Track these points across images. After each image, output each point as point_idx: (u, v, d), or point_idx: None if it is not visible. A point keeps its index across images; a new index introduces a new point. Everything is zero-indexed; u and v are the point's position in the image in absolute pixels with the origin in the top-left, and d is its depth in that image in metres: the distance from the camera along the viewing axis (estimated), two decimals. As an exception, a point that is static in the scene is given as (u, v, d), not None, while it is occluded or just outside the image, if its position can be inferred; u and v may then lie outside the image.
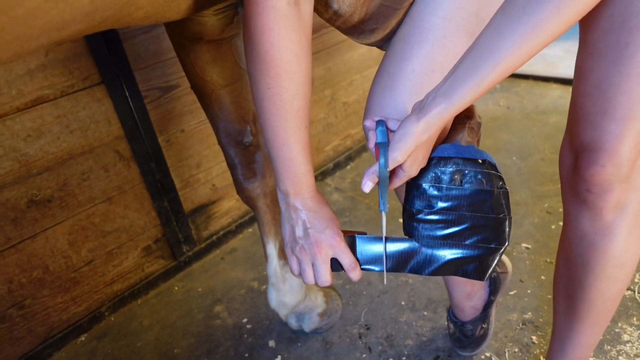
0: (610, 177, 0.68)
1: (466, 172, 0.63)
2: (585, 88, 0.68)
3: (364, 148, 2.22)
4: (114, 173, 1.39)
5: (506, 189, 0.65)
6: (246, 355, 1.29)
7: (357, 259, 0.70)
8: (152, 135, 1.43)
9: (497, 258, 0.66)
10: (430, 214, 0.65)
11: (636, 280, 1.30)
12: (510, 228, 0.65)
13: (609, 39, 0.63)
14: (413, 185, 0.66)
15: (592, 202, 0.71)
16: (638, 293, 1.26)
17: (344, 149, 2.14)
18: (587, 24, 0.66)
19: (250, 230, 1.81)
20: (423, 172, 0.65)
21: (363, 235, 0.70)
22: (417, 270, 0.68)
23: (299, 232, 0.69)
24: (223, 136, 1.02)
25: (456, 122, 0.80)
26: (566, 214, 0.79)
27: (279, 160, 0.68)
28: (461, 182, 0.64)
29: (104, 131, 1.33)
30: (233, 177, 1.08)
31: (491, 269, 0.66)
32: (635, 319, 1.19)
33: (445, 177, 0.64)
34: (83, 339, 1.42)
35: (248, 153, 1.04)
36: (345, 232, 0.71)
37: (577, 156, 0.71)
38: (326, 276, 0.69)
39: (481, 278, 0.66)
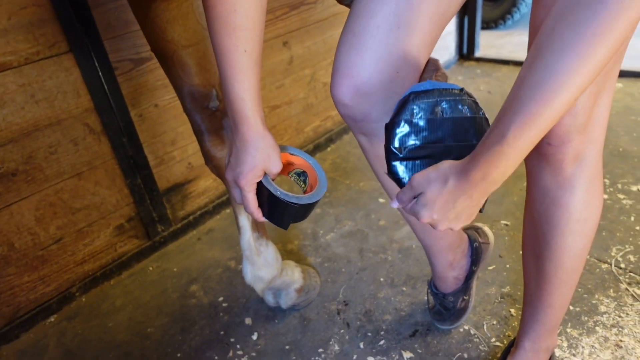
0: (567, 127, 0.68)
1: (445, 102, 0.61)
2: None
3: (345, 130, 2.20)
4: (84, 147, 1.33)
5: (486, 116, 0.63)
6: (221, 332, 1.25)
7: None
8: (123, 108, 1.38)
9: None
10: (415, 149, 0.62)
11: (612, 253, 1.30)
12: None
13: None
14: (393, 122, 0.63)
15: (552, 155, 0.71)
16: (615, 266, 1.26)
17: (324, 130, 2.11)
18: None
19: (228, 210, 1.77)
20: (402, 108, 0.62)
21: (268, 186, 0.73)
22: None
23: (235, 167, 0.73)
24: (188, 101, 0.98)
25: (423, 75, 0.78)
26: (528, 174, 0.80)
27: (221, 81, 0.68)
28: (442, 112, 0.62)
29: (72, 102, 1.28)
30: (200, 145, 1.05)
31: (483, 201, 0.64)
32: (611, 290, 1.20)
33: (426, 110, 0.62)
34: (52, 319, 1.37)
35: (215, 119, 1.00)
36: (287, 163, 0.78)
37: None
38: (234, 196, 0.76)
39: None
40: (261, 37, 0.66)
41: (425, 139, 0.62)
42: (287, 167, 0.81)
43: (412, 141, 0.62)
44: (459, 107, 0.61)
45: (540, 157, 0.74)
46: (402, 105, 0.62)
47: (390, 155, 0.64)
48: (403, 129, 0.62)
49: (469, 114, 0.61)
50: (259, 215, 0.75)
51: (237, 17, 0.62)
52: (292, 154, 0.80)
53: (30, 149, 1.23)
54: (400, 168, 0.64)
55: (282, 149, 0.79)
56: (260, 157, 0.70)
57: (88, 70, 1.28)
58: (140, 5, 0.87)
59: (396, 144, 0.63)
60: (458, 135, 0.62)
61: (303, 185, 0.81)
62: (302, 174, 0.81)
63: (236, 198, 0.75)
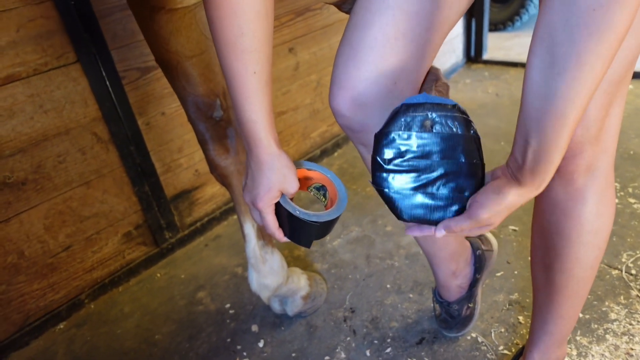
0: (579, 139, 0.67)
1: (436, 117, 0.60)
2: None
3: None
4: (92, 156, 1.35)
5: (478, 135, 0.63)
6: (228, 340, 1.26)
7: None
8: (131, 117, 1.39)
9: None
10: (401, 162, 0.62)
11: (623, 259, 1.28)
12: (484, 176, 0.63)
13: None
14: (382, 133, 0.63)
15: (563, 167, 0.70)
16: (625, 272, 1.24)
17: (330, 135, 2.11)
18: None
19: (235, 216, 1.78)
20: (392, 119, 0.62)
21: (287, 205, 0.72)
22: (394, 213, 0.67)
23: (250, 191, 0.72)
24: (192, 111, 0.99)
25: (424, 86, 0.78)
26: None
27: (233, 104, 0.68)
28: (431, 127, 0.62)
29: (80, 112, 1.30)
30: (205, 154, 1.05)
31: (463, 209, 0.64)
32: (622, 297, 1.18)
33: (416, 124, 0.61)
34: (62, 326, 1.39)
35: (219, 128, 1.01)
36: (304, 178, 0.77)
37: None
38: (254, 217, 0.76)
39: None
40: (270, 57, 0.66)
41: (412, 152, 0.62)
42: (305, 182, 0.79)
43: (398, 153, 0.62)
44: (449, 123, 0.61)
45: None
46: (393, 117, 0.62)
47: (375, 166, 0.64)
48: (391, 141, 0.62)
49: (458, 132, 0.61)
50: (280, 236, 0.74)
51: (245, 40, 0.61)
52: (309, 169, 0.79)
53: (39, 159, 1.25)
54: (384, 179, 0.64)
55: (298, 164, 0.78)
56: (276, 178, 0.69)
57: (96, 80, 1.29)
58: (144, 17, 0.88)
59: (383, 155, 0.63)
60: (446, 152, 0.61)
61: (323, 200, 0.80)
62: (322, 188, 0.79)
63: (256, 220, 0.75)
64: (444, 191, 0.63)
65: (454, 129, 0.60)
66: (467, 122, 0.61)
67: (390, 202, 0.65)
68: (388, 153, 0.62)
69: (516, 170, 0.59)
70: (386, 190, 0.64)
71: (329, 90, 0.75)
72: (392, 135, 0.61)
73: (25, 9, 1.14)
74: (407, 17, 0.66)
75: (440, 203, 0.64)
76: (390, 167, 0.62)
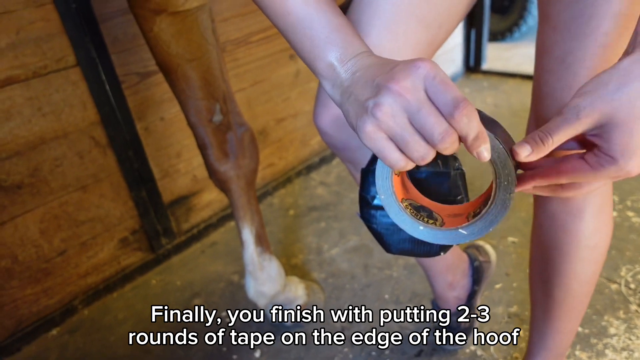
0: None
1: None
2: (549, 64, 0.66)
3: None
4: (89, 160, 1.34)
5: (462, 170, 0.63)
6: (224, 349, 1.24)
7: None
8: (130, 122, 1.38)
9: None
10: None
11: (622, 273, 1.28)
12: None
13: (572, 12, 0.61)
14: (368, 171, 0.64)
15: None
16: (625, 286, 1.24)
17: (330, 143, 2.10)
18: None
19: (232, 223, 1.76)
20: (376, 156, 0.62)
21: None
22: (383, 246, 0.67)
23: (366, 92, 0.41)
24: (192, 114, 0.98)
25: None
26: (535, 198, 0.78)
27: (294, 31, 0.46)
28: (417, 165, 0.62)
29: (78, 116, 1.28)
30: (204, 159, 1.05)
31: (451, 247, 0.65)
32: (621, 312, 1.17)
33: None
34: (55, 332, 1.37)
35: (219, 133, 1.01)
36: None
37: None
38: (433, 120, 0.38)
39: (443, 253, 0.66)
40: None
41: None
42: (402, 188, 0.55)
43: None
44: (435, 160, 0.62)
45: None
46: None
47: (362, 202, 0.65)
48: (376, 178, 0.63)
49: (443, 169, 0.62)
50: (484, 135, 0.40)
51: None
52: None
53: (36, 162, 1.24)
54: (372, 215, 0.65)
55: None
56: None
57: (95, 84, 1.28)
58: (146, 19, 0.88)
59: (369, 192, 0.64)
60: (431, 189, 0.61)
61: (428, 220, 0.52)
62: (422, 209, 0.53)
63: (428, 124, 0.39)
64: None
65: (440, 167, 0.61)
66: (452, 159, 0.62)
67: (378, 237, 0.65)
68: (375, 190, 0.63)
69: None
70: (374, 225, 0.65)
71: (313, 108, 0.75)
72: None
73: (25, 11, 1.13)
74: (394, 37, 0.66)
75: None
76: (377, 203, 0.63)
